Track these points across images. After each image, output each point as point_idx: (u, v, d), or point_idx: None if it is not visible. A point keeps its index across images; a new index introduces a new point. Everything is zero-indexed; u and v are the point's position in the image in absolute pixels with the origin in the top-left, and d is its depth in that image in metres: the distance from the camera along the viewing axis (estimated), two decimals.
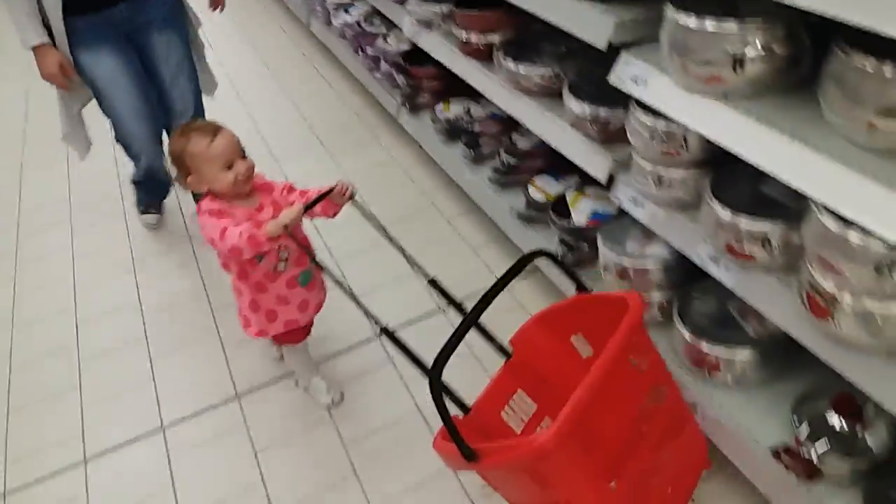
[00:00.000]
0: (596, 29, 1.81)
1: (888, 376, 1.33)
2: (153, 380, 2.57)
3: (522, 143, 2.78)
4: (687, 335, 1.87)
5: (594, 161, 2.10)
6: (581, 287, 1.78)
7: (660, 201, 1.86)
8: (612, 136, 2.05)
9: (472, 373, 2.29)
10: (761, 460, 1.68)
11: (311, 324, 2.22)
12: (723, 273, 1.69)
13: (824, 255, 1.33)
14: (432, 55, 3.01)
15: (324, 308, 2.20)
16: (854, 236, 1.25)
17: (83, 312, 2.93)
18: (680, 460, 1.77)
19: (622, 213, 2.11)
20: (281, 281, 2.02)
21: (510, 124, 2.83)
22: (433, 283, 1.90)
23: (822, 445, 1.59)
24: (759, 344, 1.80)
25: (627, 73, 1.74)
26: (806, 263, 1.42)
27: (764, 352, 1.80)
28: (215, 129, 1.90)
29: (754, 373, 1.82)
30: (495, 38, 2.57)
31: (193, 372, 2.58)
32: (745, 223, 1.55)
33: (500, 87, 2.52)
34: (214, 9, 3.01)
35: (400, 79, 3.41)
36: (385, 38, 3.62)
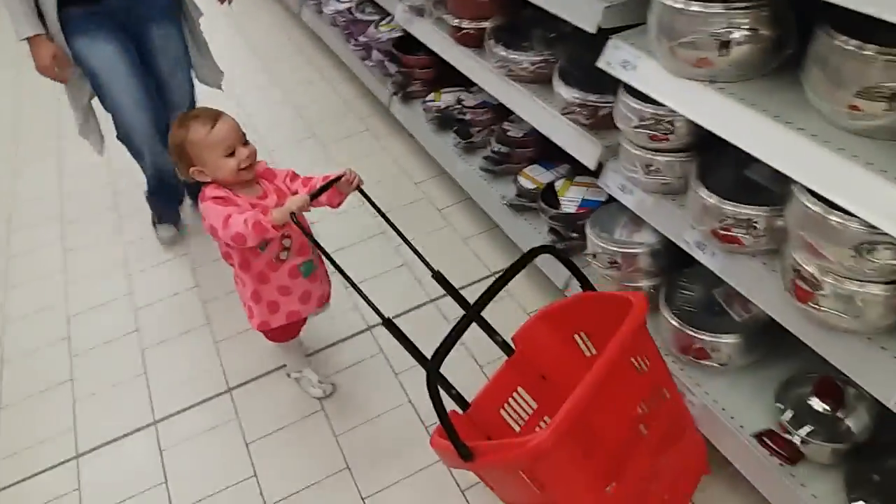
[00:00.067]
0: (586, 13, 1.81)
1: (869, 358, 1.34)
2: (145, 374, 2.57)
3: (514, 132, 2.78)
4: (673, 321, 1.87)
5: (583, 148, 2.10)
6: (586, 284, 1.73)
7: (647, 187, 1.86)
8: (601, 123, 2.05)
9: (466, 367, 2.29)
10: (746, 444, 1.69)
11: (305, 318, 2.20)
12: (709, 258, 1.70)
13: (806, 237, 1.33)
14: (424, 42, 3.00)
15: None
16: (834, 218, 1.26)
17: (74, 307, 2.93)
18: (678, 465, 1.74)
19: (611, 201, 2.12)
20: (283, 271, 2.00)
21: (502, 113, 2.83)
22: (438, 276, 1.87)
23: (805, 429, 1.60)
24: (745, 330, 1.81)
25: (616, 58, 1.74)
26: (790, 247, 1.43)
27: (749, 338, 1.81)
28: (215, 116, 1.87)
29: (739, 358, 1.83)
30: (487, 24, 2.56)
31: (185, 366, 2.58)
32: (731, 208, 1.55)
33: (490, 74, 2.52)
34: (223, 2, 2.92)
35: (391, 67, 3.41)
36: (377, 26, 3.62)
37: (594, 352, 1.81)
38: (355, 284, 1.79)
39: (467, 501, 1.98)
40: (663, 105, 1.65)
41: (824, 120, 1.32)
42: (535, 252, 1.68)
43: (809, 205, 1.30)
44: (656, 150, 1.79)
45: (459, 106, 3.05)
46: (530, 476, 1.50)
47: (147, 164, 2.85)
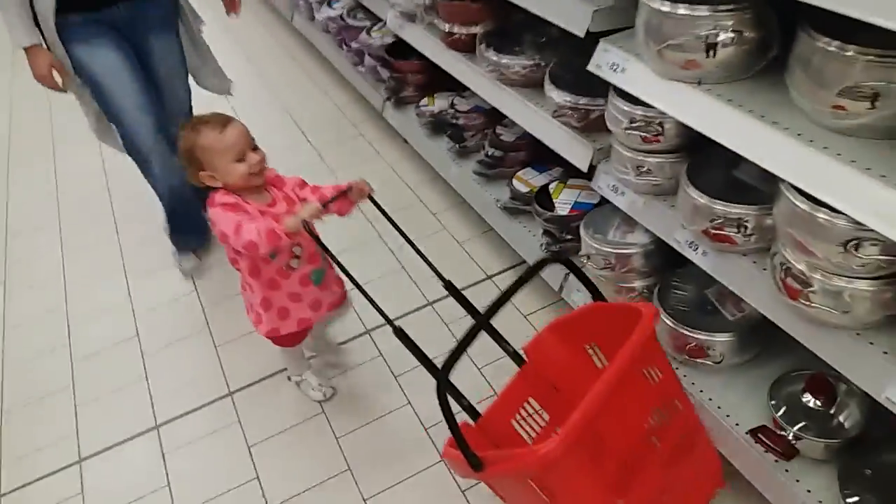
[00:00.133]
0: (575, 17, 1.83)
1: (858, 353, 1.36)
2: (146, 378, 2.58)
3: (507, 136, 2.80)
4: (667, 321, 1.89)
5: (576, 150, 2.12)
6: (596, 295, 1.71)
7: (639, 188, 1.89)
8: (592, 125, 2.07)
9: (462, 368, 2.30)
10: (741, 441, 1.71)
11: (313, 324, 2.19)
12: (700, 258, 1.72)
13: (795, 235, 1.35)
14: (416, 48, 3.02)
15: None
16: (822, 215, 1.28)
17: (74, 312, 2.94)
18: (692, 478, 1.71)
19: (604, 203, 2.14)
20: (294, 278, 2.00)
21: (494, 117, 2.85)
22: (449, 286, 1.86)
23: (798, 426, 1.63)
24: (737, 328, 1.83)
25: (606, 61, 1.76)
26: (779, 245, 1.45)
27: (742, 336, 1.83)
28: (225, 121, 1.87)
29: (733, 357, 1.85)
30: (478, 30, 2.58)
31: (186, 370, 2.59)
32: (721, 207, 1.58)
33: (483, 79, 2.54)
34: (230, 12, 2.87)
35: (384, 72, 3.43)
36: (369, 32, 3.64)
37: (606, 363, 1.78)
38: (367, 294, 1.76)
39: (468, 502, 2.00)
40: (652, 107, 1.67)
41: (808, 119, 1.34)
42: (545, 262, 1.67)
43: (797, 203, 1.32)
44: (647, 152, 1.81)
45: (452, 110, 3.06)
46: (540, 485, 1.48)
47: (156, 176, 2.74)
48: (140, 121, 2.60)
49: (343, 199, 1.95)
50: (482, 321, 1.58)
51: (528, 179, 2.62)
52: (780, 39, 1.48)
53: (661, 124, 1.73)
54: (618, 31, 1.80)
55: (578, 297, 2.24)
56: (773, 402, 1.70)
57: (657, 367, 1.58)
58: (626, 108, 1.77)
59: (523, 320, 2.48)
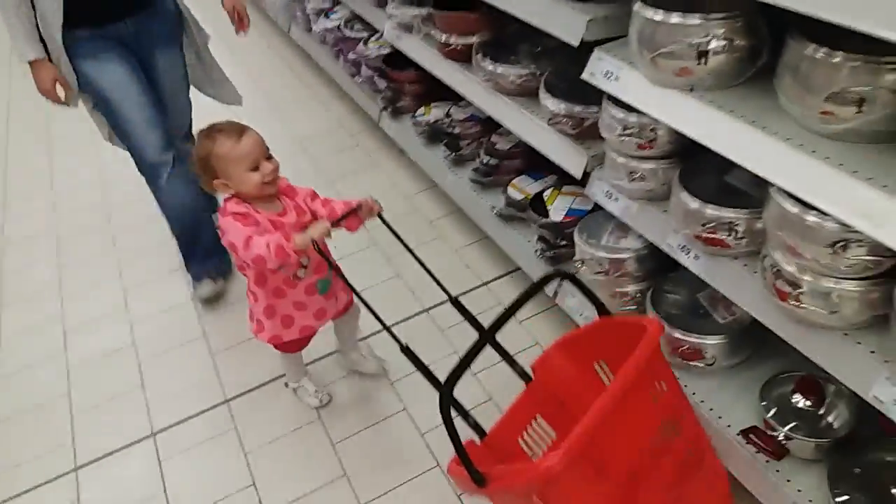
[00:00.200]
0: (569, 27, 1.87)
1: (846, 353, 1.39)
2: (142, 386, 2.59)
3: (502, 144, 2.84)
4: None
5: (570, 157, 2.16)
6: (602, 310, 1.70)
7: (632, 194, 1.92)
8: (586, 133, 2.11)
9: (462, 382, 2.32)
10: (733, 442, 1.74)
11: (316, 331, 2.20)
12: (692, 262, 1.75)
13: (785, 237, 1.39)
14: (413, 58, 3.06)
15: None
16: (811, 218, 1.31)
17: (70, 321, 2.95)
18: (699, 496, 1.67)
19: (597, 209, 2.18)
20: (300, 288, 2.01)
21: (490, 126, 2.90)
22: (455, 302, 1.86)
23: (788, 426, 1.66)
24: (729, 331, 1.87)
25: (600, 69, 1.80)
26: (769, 248, 1.48)
27: (733, 339, 1.87)
28: (241, 130, 1.88)
29: (724, 359, 1.89)
30: (474, 40, 2.63)
31: (182, 378, 2.60)
32: (712, 212, 1.61)
33: (479, 88, 2.59)
34: (239, 31, 2.84)
35: (381, 83, 3.47)
36: (366, 43, 3.68)
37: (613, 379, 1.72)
38: (378, 316, 1.78)
39: None
40: (646, 114, 1.71)
41: (797, 124, 1.38)
42: (549, 277, 1.68)
43: (787, 206, 1.36)
44: (640, 158, 1.85)
45: (448, 120, 3.10)
46: (544, 501, 1.45)
47: (164, 191, 2.69)
48: (148, 135, 2.60)
49: (353, 215, 1.97)
50: (487, 336, 1.59)
51: (523, 187, 2.65)
52: (770, 47, 1.52)
53: (654, 131, 1.77)
54: (611, 39, 1.84)
55: (572, 303, 2.27)
56: (763, 404, 1.73)
57: (663, 382, 1.56)
58: (619, 115, 1.81)
59: (518, 326, 2.50)
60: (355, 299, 2.09)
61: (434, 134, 3.17)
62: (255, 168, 1.86)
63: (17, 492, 2.27)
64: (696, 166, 1.74)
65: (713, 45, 1.49)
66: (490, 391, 2.28)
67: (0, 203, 3.88)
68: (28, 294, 3.15)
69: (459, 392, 1.53)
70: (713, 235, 1.63)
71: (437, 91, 3.12)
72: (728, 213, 1.59)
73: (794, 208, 1.35)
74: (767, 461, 1.67)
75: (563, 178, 2.46)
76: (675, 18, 1.50)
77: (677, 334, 1.89)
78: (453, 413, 1.49)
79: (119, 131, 2.64)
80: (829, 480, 1.55)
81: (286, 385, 2.42)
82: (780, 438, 1.65)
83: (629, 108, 1.77)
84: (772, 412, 1.70)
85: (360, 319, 2.32)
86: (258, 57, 5.21)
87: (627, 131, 1.80)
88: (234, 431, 2.35)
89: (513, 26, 2.50)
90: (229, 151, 1.84)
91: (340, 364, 2.50)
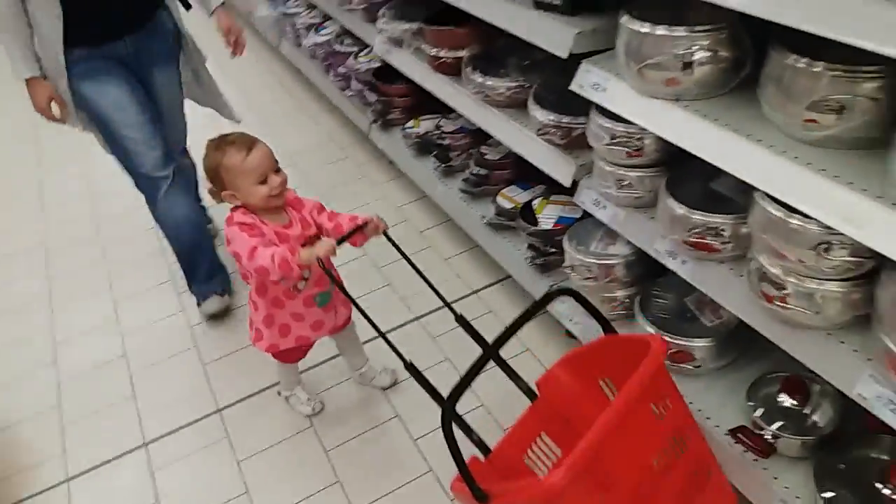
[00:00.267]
0: (558, 40, 1.92)
1: (829, 351, 1.44)
2: (134, 397, 2.59)
3: (491, 155, 2.88)
4: (649, 328, 1.97)
5: (559, 167, 2.21)
6: (607, 328, 1.73)
7: (620, 202, 1.97)
8: (575, 143, 2.16)
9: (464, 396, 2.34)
10: (721, 442, 1.78)
11: (313, 343, 2.23)
12: (679, 266, 1.80)
13: (770, 240, 1.44)
14: (403, 72, 3.11)
15: None
16: (794, 221, 1.36)
17: (61, 333, 2.95)
18: None
19: (586, 217, 2.22)
20: (298, 299, 2.03)
21: (479, 137, 2.94)
22: (461, 319, 1.88)
23: (775, 425, 1.70)
24: (716, 334, 1.91)
25: (588, 81, 1.85)
26: (754, 251, 1.53)
27: (720, 341, 1.91)
28: (251, 143, 1.90)
29: (712, 361, 1.93)
30: (464, 53, 2.68)
31: (174, 388, 2.61)
32: (699, 217, 1.66)
33: (468, 100, 2.63)
34: (234, 54, 2.78)
35: (371, 96, 3.51)
36: (356, 57, 3.72)
37: None
38: (382, 333, 1.81)
39: None
40: (633, 123, 1.76)
41: (780, 132, 1.44)
42: (553, 294, 1.71)
43: (771, 210, 1.41)
44: (628, 166, 1.90)
45: (438, 131, 3.15)
46: None
47: (163, 208, 2.69)
48: (149, 152, 2.60)
49: (358, 233, 1.99)
50: (491, 352, 1.61)
51: (512, 196, 2.70)
52: (753, 58, 1.58)
53: (641, 139, 1.82)
54: (599, 52, 1.89)
55: (562, 308, 2.31)
56: (751, 404, 1.77)
57: (668, 399, 1.57)
58: (607, 125, 1.86)
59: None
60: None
61: (424, 146, 3.21)
62: (263, 181, 1.89)
63: (10, 502, 2.26)
64: (683, 174, 1.79)
65: (698, 56, 1.54)
66: (482, 398, 2.31)
67: None
68: (17, 306, 3.15)
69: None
70: (700, 240, 1.68)
71: (426, 104, 3.17)
72: (714, 219, 1.64)
73: (778, 212, 1.40)
74: (755, 459, 1.71)
75: (552, 188, 2.51)
76: (661, 31, 1.56)
77: (666, 338, 1.93)
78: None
79: (117, 149, 2.64)
80: (815, 477, 1.59)
81: (279, 394, 2.44)
82: (767, 437, 1.69)
83: (617, 119, 1.82)
84: (759, 412, 1.74)
85: (357, 329, 2.34)
86: (248, 72, 5.22)
87: (615, 141, 1.86)
88: (226, 440, 2.37)
89: (502, 40, 2.55)
90: (238, 164, 1.87)
91: (338, 371, 2.52)
